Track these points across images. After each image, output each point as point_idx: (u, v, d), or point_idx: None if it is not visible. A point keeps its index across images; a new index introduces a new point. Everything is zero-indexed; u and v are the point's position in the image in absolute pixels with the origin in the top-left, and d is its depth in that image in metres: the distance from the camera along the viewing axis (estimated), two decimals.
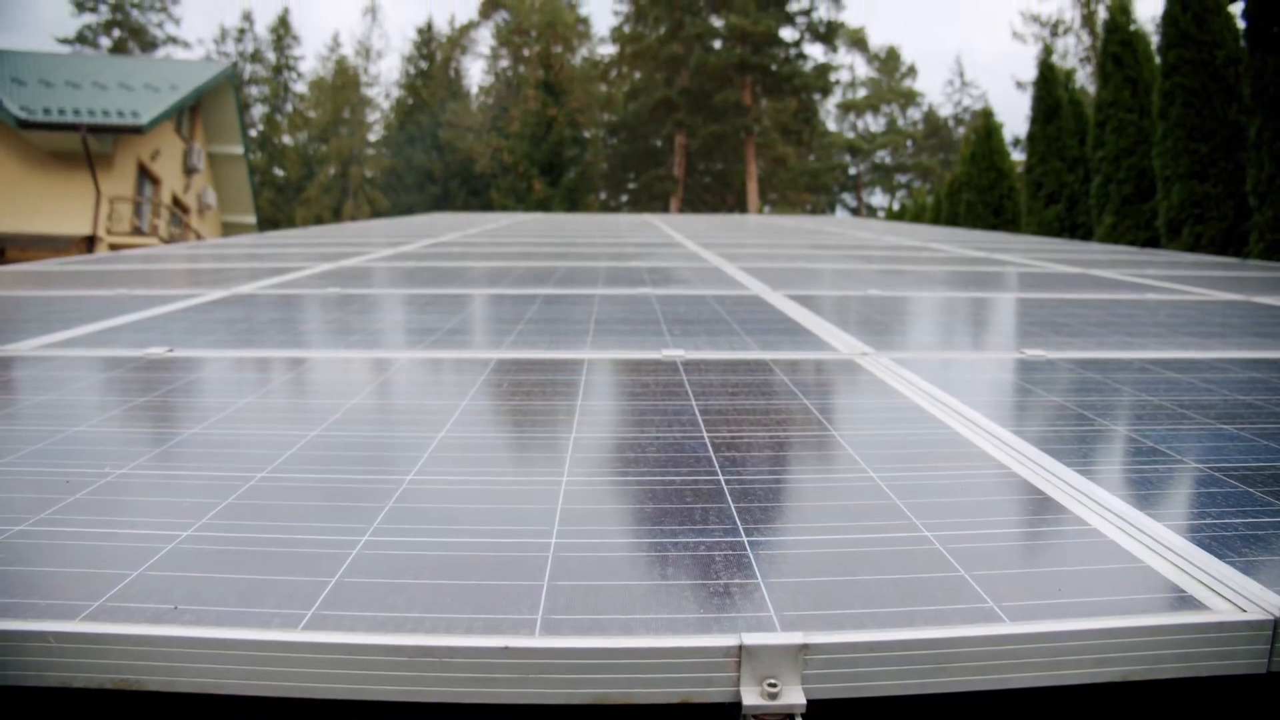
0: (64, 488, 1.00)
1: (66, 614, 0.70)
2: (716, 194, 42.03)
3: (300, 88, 42.66)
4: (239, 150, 24.30)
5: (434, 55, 42.87)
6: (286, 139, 41.59)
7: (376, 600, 0.73)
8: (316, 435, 1.21)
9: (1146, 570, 0.81)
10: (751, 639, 0.67)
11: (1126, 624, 0.70)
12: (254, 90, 41.14)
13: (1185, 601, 0.75)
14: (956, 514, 0.94)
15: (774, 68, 39.11)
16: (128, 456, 1.12)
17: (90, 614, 0.70)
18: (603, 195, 42.20)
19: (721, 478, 1.05)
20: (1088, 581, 0.78)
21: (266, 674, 0.67)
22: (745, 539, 0.87)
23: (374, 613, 0.71)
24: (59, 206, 18.12)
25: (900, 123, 44.79)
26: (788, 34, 39.79)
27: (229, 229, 24.89)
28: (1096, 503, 0.98)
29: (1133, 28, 10.13)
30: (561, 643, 0.67)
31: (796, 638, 0.67)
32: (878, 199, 44.32)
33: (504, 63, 43.18)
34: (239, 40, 41.85)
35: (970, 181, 13.96)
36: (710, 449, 1.17)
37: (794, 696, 0.66)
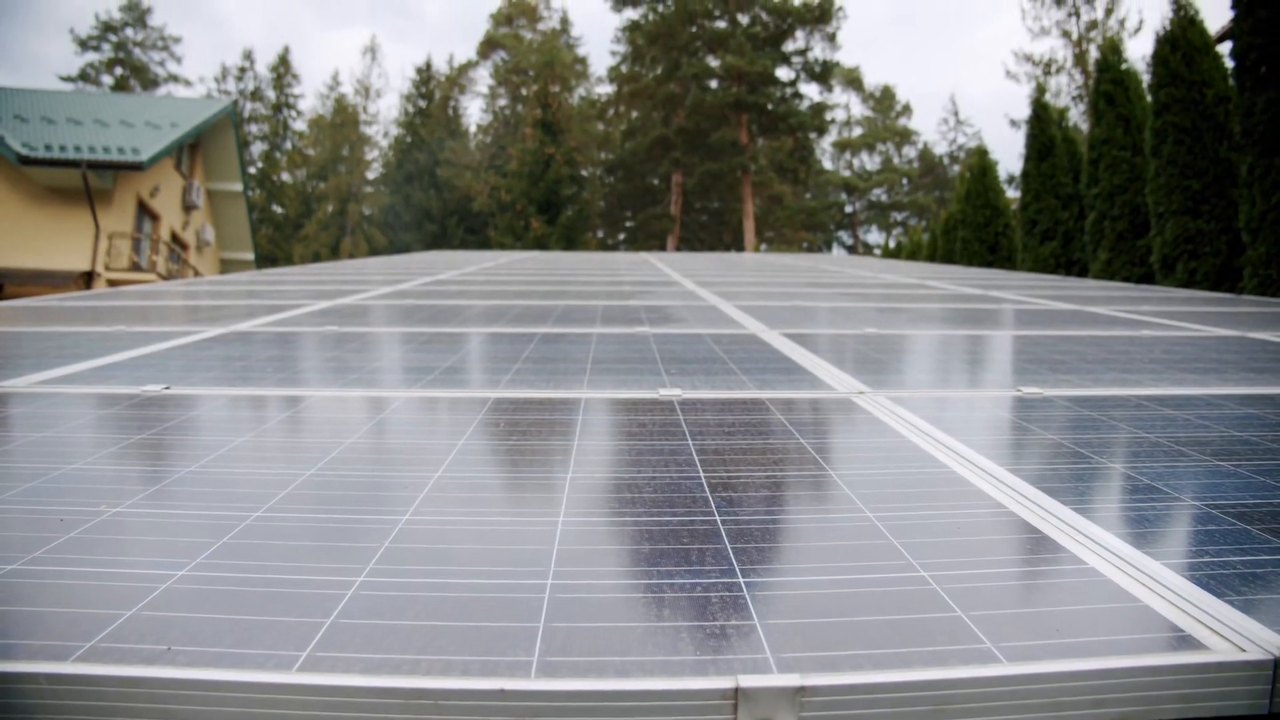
0: (58, 526, 1.00)
1: (59, 655, 0.70)
2: (713, 232, 42.31)
3: (300, 126, 43.15)
4: (238, 187, 24.47)
5: (433, 94, 43.34)
6: (285, 176, 41.95)
7: (372, 642, 0.73)
8: (313, 474, 1.21)
9: (1145, 609, 0.81)
10: (748, 681, 0.67)
11: (1126, 664, 0.70)
12: (254, 128, 41.58)
13: (1185, 641, 0.74)
14: (954, 553, 0.94)
15: (770, 107, 39.54)
16: (123, 495, 1.11)
17: (83, 655, 0.70)
18: (600, 233, 42.46)
19: (718, 518, 1.05)
20: (1086, 621, 0.78)
21: (261, 716, 0.66)
22: (742, 580, 0.87)
23: (369, 654, 0.71)
24: (58, 242, 18.19)
25: (896, 161, 45.24)
26: (784, 74, 40.34)
27: (227, 266, 24.99)
28: (1094, 541, 0.98)
29: (1124, 67, 10.28)
30: (558, 685, 0.66)
31: (793, 680, 0.67)
32: (874, 237, 44.65)
33: (502, 102, 43.68)
34: (240, 79, 42.38)
35: (965, 219, 14.07)
36: (707, 489, 1.16)
37: None
